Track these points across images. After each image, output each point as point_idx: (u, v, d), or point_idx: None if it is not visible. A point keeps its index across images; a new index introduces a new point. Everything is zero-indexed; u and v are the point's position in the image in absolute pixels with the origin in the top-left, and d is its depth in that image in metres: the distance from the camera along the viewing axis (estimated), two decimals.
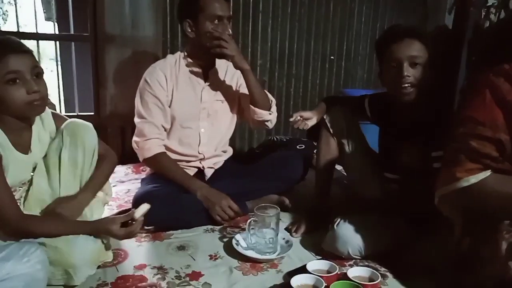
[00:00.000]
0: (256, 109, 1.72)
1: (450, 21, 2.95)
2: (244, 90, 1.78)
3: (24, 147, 1.17)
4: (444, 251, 1.34)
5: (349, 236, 1.29)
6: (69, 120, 1.28)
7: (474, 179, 0.96)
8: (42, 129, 1.23)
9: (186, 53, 1.70)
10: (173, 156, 1.72)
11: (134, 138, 1.68)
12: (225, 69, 1.79)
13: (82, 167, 1.24)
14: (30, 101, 1.10)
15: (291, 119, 1.60)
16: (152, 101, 1.64)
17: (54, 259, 1.07)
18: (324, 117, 1.57)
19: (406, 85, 1.31)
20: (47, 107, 1.21)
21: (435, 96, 1.41)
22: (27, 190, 1.22)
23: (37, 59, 1.18)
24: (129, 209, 1.53)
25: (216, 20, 1.58)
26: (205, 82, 1.71)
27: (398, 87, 1.33)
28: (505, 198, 0.94)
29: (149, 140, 1.63)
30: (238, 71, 1.73)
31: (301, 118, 1.58)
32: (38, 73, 1.13)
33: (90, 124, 1.28)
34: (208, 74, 1.72)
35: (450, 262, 1.14)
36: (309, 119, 1.58)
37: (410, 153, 1.40)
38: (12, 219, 1.07)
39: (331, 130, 1.55)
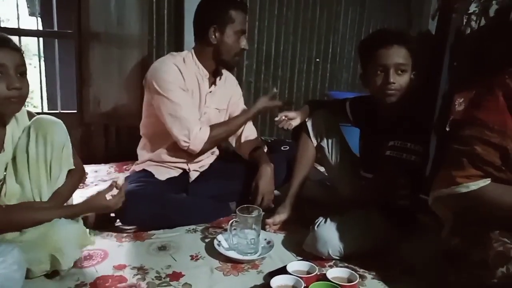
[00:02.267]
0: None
1: (433, 27, 3.00)
2: (234, 108, 1.82)
3: None
4: (424, 251, 1.37)
5: (329, 237, 1.30)
6: (37, 116, 1.24)
7: (474, 186, 0.95)
8: (16, 127, 1.20)
9: (193, 55, 1.67)
10: (163, 158, 1.69)
11: (180, 136, 1.56)
12: (226, 81, 1.79)
13: (50, 164, 1.21)
14: (8, 97, 1.08)
15: (276, 119, 1.62)
16: (178, 91, 1.56)
17: (40, 244, 1.07)
18: (306, 120, 1.62)
19: (391, 91, 1.35)
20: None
21: (415, 98, 1.44)
22: (3, 190, 1.19)
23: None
24: None
25: (240, 34, 1.62)
26: (210, 87, 1.71)
27: (382, 92, 1.37)
28: (501, 208, 0.95)
29: (198, 128, 1.57)
30: (238, 88, 1.86)
31: (286, 118, 1.60)
32: (22, 72, 1.11)
33: (59, 120, 1.23)
34: (215, 81, 1.72)
35: (432, 262, 1.16)
36: (294, 119, 1.61)
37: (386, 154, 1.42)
38: None
39: (310, 134, 1.61)
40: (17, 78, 1.09)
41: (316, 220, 1.36)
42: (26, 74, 1.14)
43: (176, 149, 1.68)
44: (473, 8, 2.59)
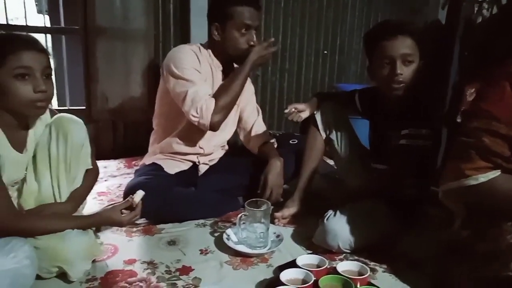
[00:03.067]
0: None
1: (443, 16, 2.95)
2: (245, 104, 1.81)
3: (20, 145, 1.14)
4: (434, 244, 1.35)
5: (339, 230, 1.29)
6: (58, 114, 1.25)
7: (483, 178, 0.93)
8: (39, 127, 1.20)
9: (208, 48, 1.68)
10: (176, 148, 1.69)
11: (191, 111, 1.51)
12: None
13: (70, 163, 1.22)
14: (35, 100, 1.07)
15: (286, 111, 1.62)
16: (194, 69, 1.57)
17: (50, 256, 1.07)
18: (314, 112, 1.61)
19: (398, 84, 1.33)
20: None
21: (423, 85, 1.42)
22: (20, 188, 1.19)
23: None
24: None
25: (244, 29, 1.59)
26: (223, 79, 1.70)
27: (389, 84, 1.35)
28: None
29: (210, 100, 1.53)
30: (249, 84, 1.80)
31: (295, 110, 1.60)
32: (48, 74, 1.11)
33: (79, 120, 1.24)
34: (228, 74, 1.69)
35: (441, 255, 1.14)
36: (303, 111, 1.61)
37: (397, 144, 1.41)
38: (6, 218, 1.04)
39: (319, 126, 1.59)
40: (43, 80, 1.08)
41: (326, 213, 1.35)
42: (51, 76, 1.13)
43: (188, 140, 1.69)
44: None
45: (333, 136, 1.60)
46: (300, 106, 1.61)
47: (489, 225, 0.97)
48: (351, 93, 1.63)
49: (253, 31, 1.62)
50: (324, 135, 1.60)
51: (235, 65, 1.73)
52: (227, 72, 1.70)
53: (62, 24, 2.53)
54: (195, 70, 1.58)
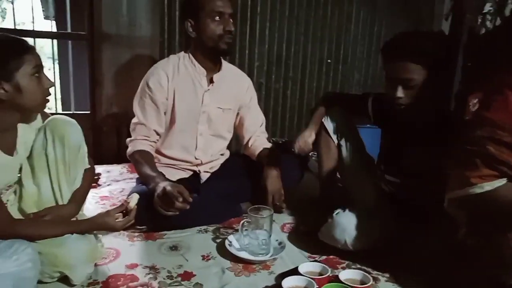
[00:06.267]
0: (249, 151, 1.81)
1: (446, 27, 2.96)
2: (245, 111, 1.80)
3: (9, 148, 1.14)
4: (438, 253, 1.34)
5: (347, 224, 1.28)
6: (52, 116, 1.25)
7: (488, 186, 0.93)
8: (27, 128, 1.20)
9: (190, 54, 1.68)
10: (169, 161, 1.71)
11: (128, 138, 1.67)
12: (234, 80, 1.77)
13: (69, 164, 1.22)
14: (48, 95, 1.14)
15: (295, 150, 1.61)
16: (149, 104, 1.62)
17: (51, 262, 1.07)
18: (323, 119, 1.57)
19: (399, 106, 1.31)
20: None
21: (436, 101, 1.38)
22: (18, 192, 1.20)
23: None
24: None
25: (217, 17, 1.56)
26: (208, 85, 1.69)
27: (393, 103, 1.33)
28: None
29: (136, 140, 1.62)
30: (250, 90, 1.80)
31: (302, 144, 1.58)
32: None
33: (73, 121, 1.24)
34: (213, 78, 1.69)
35: (445, 263, 1.14)
36: (309, 137, 1.58)
37: (412, 156, 1.39)
38: (2, 223, 1.04)
39: (330, 132, 1.56)
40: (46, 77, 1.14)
41: (335, 211, 1.34)
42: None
43: (183, 150, 1.70)
44: (488, 7, 2.55)
45: (342, 142, 1.55)
46: (305, 135, 1.58)
47: (495, 232, 0.97)
48: (364, 97, 1.57)
49: (229, 19, 1.59)
50: (336, 141, 1.56)
51: (224, 66, 1.71)
52: (212, 77, 1.68)
53: (69, 30, 2.56)
54: (152, 106, 1.62)
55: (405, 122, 1.42)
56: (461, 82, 2.65)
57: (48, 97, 1.15)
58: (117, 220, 1.22)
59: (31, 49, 1.09)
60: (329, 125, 1.56)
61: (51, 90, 1.18)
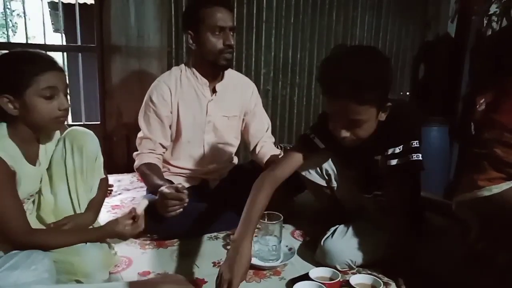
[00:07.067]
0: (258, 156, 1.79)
1: (452, 30, 2.96)
2: (250, 117, 1.80)
3: (33, 158, 1.18)
4: (449, 257, 1.33)
5: (335, 252, 1.28)
6: (70, 128, 1.29)
7: (496, 189, 0.93)
8: (48, 139, 1.24)
9: (191, 65, 1.68)
10: (178, 170, 1.73)
11: (135, 152, 1.69)
12: (237, 87, 1.77)
13: (86, 173, 1.25)
14: (58, 117, 1.13)
15: None
16: (154, 118, 1.63)
17: (68, 271, 1.09)
18: (304, 174, 1.47)
19: (346, 144, 1.20)
20: None
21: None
22: (37, 201, 1.23)
23: None
24: None
25: (218, 31, 1.56)
26: (211, 95, 1.69)
27: (337, 137, 1.20)
28: None
29: (142, 154, 1.64)
30: (254, 95, 1.80)
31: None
32: (67, 93, 1.16)
33: (91, 132, 1.28)
34: (216, 88, 1.69)
35: (459, 268, 1.13)
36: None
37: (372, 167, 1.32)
38: (20, 232, 1.07)
39: (316, 181, 1.47)
40: (65, 98, 1.13)
41: (325, 235, 1.34)
42: (68, 94, 1.18)
43: (193, 163, 1.71)
44: (493, 9, 2.55)
45: (332, 179, 1.45)
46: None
47: (505, 235, 0.96)
48: (306, 138, 1.39)
49: (229, 32, 1.58)
50: (326, 184, 1.47)
51: (226, 74, 1.71)
52: (214, 86, 1.69)
53: (79, 43, 2.61)
54: (157, 119, 1.63)
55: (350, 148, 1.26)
56: (468, 84, 2.65)
57: (62, 118, 1.14)
58: (126, 228, 1.24)
59: (47, 70, 1.08)
60: (312, 175, 1.46)
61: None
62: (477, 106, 1.44)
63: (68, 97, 1.18)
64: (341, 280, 1.15)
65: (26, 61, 1.08)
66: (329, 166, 1.45)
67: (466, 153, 1.06)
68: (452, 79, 2.79)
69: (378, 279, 1.13)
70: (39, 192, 1.23)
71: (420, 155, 1.18)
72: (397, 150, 1.21)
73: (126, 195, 1.98)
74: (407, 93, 3.16)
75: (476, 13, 2.69)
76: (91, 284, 1.10)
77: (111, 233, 1.23)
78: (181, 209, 1.35)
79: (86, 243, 1.15)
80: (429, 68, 3.09)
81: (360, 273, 1.27)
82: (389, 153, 1.22)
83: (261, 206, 1.20)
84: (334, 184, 1.45)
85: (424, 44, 3.09)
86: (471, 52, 2.68)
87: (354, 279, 1.13)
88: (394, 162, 1.22)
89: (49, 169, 1.23)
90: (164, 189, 1.36)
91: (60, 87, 1.11)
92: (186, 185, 1.69)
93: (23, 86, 1.06)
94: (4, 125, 1.10)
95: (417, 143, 1.19)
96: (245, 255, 1.06)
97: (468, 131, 1.48)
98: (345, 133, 1.15)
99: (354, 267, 1.30)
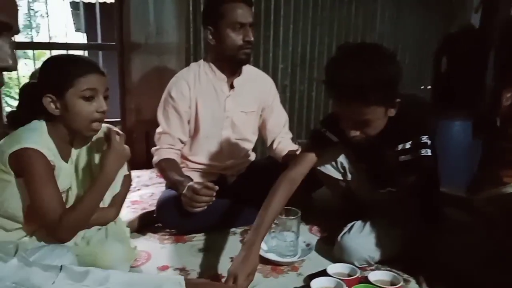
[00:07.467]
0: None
1: (476, 20, 2.87)
2: (268, 112, 1.80)
3: (66, 156, 1.21)
4: (471, 253, 1.30)
5: (353, 248, 1.27)
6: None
7: None
8: (83, 142, 1.26)
9: (209, 60, 1.69)
10: (196, 166, 1.74)
11: (153, 148, 1.71)
12: (255, 83, 1.77)
13: None
14: (94, 119, 1.14)
15: None
16: (173, 114, 1.65)
17: (90, 264, 1.10)
18: (319, 167, 1.47)
19: (356, 141, 1.20)
20: None
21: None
22: (65, 196, 1.26)
23: None
24: (152, 211, 1.59)
25: (238, 27, 1.56)
26: (229, 90, 1.70)
27: (347, 135, 1.20)
28: None
29: (161, 149, 1.65)
30: (272, 90, 1.80)
31: None
32: (106, 96, 1.17)
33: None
34: (233, 83, 1.70)
35: (485, 265, 1.10)
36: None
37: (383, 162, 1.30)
38: (60, 211, 1.08)
39: (333, 174, 1.48)
40: (104, 101, 1.15)
41: (342, 231, 1.33)
42: (108, 97, 1.19)
43: (211, 158, 1.72)
44: None
45: (347, 173, 1.46)
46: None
47: None
48: (319, 133, 1.39)
49: (249, 28, 1.57)
50: (341, 177, 1.48)
51: (244, 70, 1.70)
52: (232, 82, 1.68)
53: (100, 41, 2.66)
54: (176, 115, 1.64)
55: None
56: (493, 78, 2.56)
57: (96, 123, 1.15)
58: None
59: (89, 72, 1.10)
60: (327, 169, 1.47)
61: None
62: (504, 100, 1.39)
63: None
64: (359, 276, 1.14)
65: (71, 63, 1.11)
66: (344, 159, 1.45)
67: (491, 148, 1.02)
68: (476, 72, 2.70)
69: (398, 276, 1.11)
70: (69, 188, 1.26)
71: (429, 150, 1.16)
72: (407, 145, 1.20)
73: (145, 191, 2.01)
74: (428, 87, 3.08)
75: (501, 3, 2.59)
76: (149, 274, 1.16)
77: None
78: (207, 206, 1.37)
79: (107, 237, 1.18)
80: (451, 61, 3.00)
81: (379, 269, 1.26)
82: (399, 148, 1.22)
83: (275, 209, 1.23)
84: (349, 177, 1.45)
85: (447, 36, 3.00)
86: (496, 44, 2.59)
87: (373, 276, 1.11)
88: (404, 157, 1.21)
89: (77, 165, 1.26)
90: (195, 184, 1.38)
91: (100, 89, 1.13)
92: (204, 180, 1.70)
93: (65, 87, 1.09)
94: (44, 123, 1.13)
95: (427, 138, 1.17)
96: (253, 258, 1.11)
97: (493, 126, 1.43)
98: (355, 133, 1.17)
99: (372, 263, 1.29)
